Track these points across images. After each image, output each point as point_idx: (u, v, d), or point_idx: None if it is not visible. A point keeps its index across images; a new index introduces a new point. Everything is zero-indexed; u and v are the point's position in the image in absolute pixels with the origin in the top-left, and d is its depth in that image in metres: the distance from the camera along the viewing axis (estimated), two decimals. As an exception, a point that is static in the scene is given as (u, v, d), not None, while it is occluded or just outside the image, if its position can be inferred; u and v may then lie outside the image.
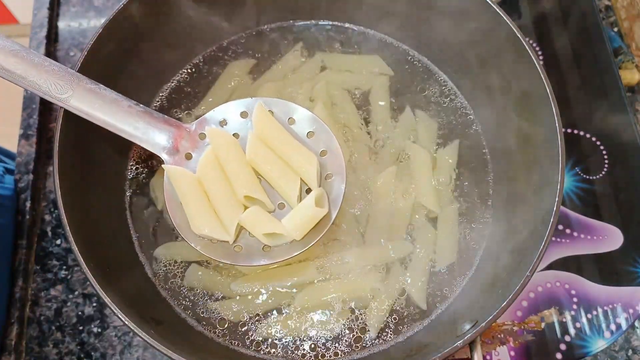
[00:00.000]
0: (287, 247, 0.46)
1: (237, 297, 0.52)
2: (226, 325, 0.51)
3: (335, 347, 0.51)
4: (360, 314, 0.51)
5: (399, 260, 0.53)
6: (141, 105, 0.47)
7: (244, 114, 0.49)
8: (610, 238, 0.60)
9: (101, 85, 0.45)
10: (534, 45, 0.68)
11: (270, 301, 0.52)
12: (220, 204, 0.46)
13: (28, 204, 0.62)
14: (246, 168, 0.48)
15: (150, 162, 0.57)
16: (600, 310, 0.56)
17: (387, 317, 0.51)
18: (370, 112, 0.60)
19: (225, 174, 0.47)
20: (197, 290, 0.52)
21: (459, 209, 0.56)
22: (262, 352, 0.50)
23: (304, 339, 0.51)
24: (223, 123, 0.49)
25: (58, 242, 0.62)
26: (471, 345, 0.48)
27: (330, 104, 0.59)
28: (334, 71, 0.61)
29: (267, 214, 0.47)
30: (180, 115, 0.59)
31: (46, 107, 0.68)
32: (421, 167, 0.57)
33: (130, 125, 0.46)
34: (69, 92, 0.44)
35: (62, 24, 0.74)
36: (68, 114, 0.46)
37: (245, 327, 0.51)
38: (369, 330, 0.51)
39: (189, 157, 0.48)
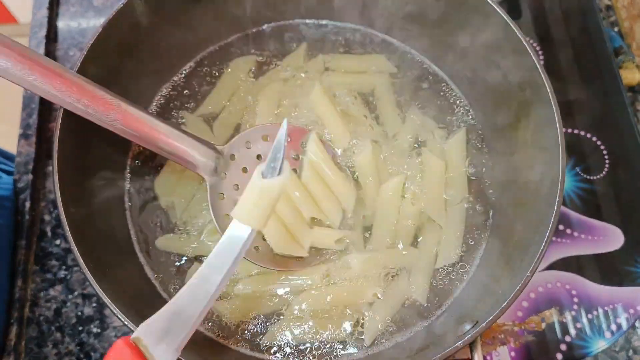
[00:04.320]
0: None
1: (234, 298, 0.52)
2: (226, 326, 0.51)
3: (334, 347, 0.50)
4: (361, 318, 0.51)
5: (403, 267, 0.53)
6: (185, 130, 0.49)
7: (265, 137, 0.53)
8: (610, 238, 0.59)
9: (145, 111, 0.48)
10: (534, 45, 0.68)
11: (271, 303, 0.51)
12: (293, 224, 0.51)
13: (27, 204, 0.62)
14: (308, 193, 0.52)
15: (150, 163, 0.57)
16: (600, 310, 0.56)
17: (383, 326, 0.51)
18: (375, 110, 0.59)
19: (291, 196, 0.52)
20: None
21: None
22: (262, 353, 0.50)
23: (304, 341, 0.51)
24: (248, 145, 0.52)
25: (57, 242, 0.62)
26: (471, 345, 0.48)
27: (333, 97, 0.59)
28: (337, 72, 0.61)
29: (330, 229, 0.53)
30: (182, 114, 0.59)
31: (46, 107, 0.68)
32: (433, 178, 0.55)
33: (178, 148, 0.48)
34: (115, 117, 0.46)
35: (61, 24, 0.74)
36: (68, 114, 0.45)
37: (246, 328, 0.51)
38: (363, 338, 0.51)
39: (223, 177, 0.51)
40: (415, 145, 0.57)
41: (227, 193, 0.51)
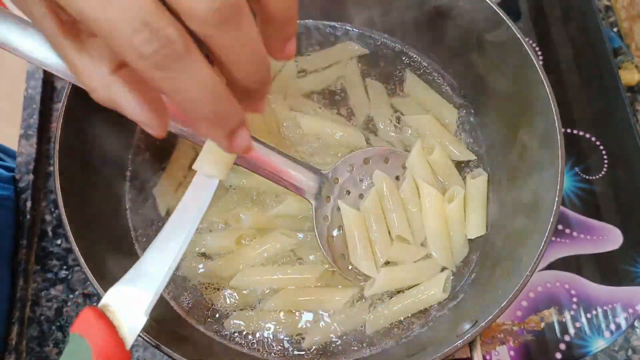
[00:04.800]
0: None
1: (234, 291, 0.52)
2: (226, 325, 0.51)
3: (334, 347, 0.51)
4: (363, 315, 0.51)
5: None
6: (291, 156, 0.50)
7: (366, 160, 0.54)
8: (610, 238, 0.60)
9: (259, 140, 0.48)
10: (534, 45, 0.69)
11: (273, 304, 0.51)
12: (378, 240, 0.52)
13: (28, 204, 0.62)
14: (401, 210, 0.53)
15: (151, 163, 0.57)
16: (599, 310, 0.57)
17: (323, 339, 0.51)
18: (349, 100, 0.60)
19: (384, 212, 0.53)
20: (197, 289, 0.53)
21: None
22: (263, 353, 0.50)
23: (300, 336, 0.51)
24: (350, 168, 0.54)
25: (58, 242, 0.62)
26: (471, 345, 0.48)
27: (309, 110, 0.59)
28: (310, 73, 0.60)
29: (412, 246, 0.54)
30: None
31: (46, 107, 0.68)
32: (430, 213, 0.53)
33: (286, 174, 0.49)
34: None
35: (62, 24, 0.74)
36: (68, 114, 0.46)
37: (247, 329, 0.51)
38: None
39: (328, 200, 0.52)
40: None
41: (331, 215, 0.53)
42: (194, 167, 0.35)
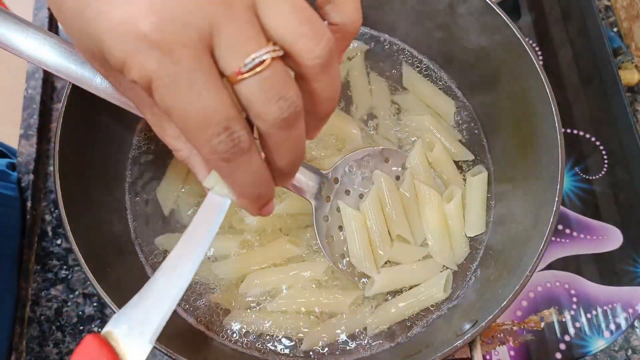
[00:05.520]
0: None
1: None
2: (226, 326, 0.51)
3: (334, 346, 0.51)
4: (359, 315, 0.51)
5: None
6: None
7: (366, 160, 0.54)
8: (609, 238, 0.60)
9: None
10: (534, 45, 0.69)
11: (276, 305, 0.51)
12: (378, 240, 0.52)
13: (29, 204, 0.62)
14: (401, 210, 0.53)
15: (151, 164, 0.57)
16: (599, 310, 0.57)
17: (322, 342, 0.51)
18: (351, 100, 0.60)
19: (384, 212, 0.53)
20: (197, 289, 0.53)
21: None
22: (263, 354, 0.50)
23: (300, 336, 0.51)
24: (350, 168, 0.54)
25: (58, 242, 0.62)
26: (471, 344, 0.48)
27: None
28: None
29: (412, 246, 0.54)
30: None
31: (46, 107, 0.68)
32: (428, 213, 0.54)
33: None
34: None
35: (62, 24, 0.74)
36: (68, 114, 0.46)
37: (247, 330, 0.51)
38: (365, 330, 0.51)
39: (328, 199, 0.52)
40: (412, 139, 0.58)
41: (331, 216, 0.53)
42: (204, 183, 0.34)
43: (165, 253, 0.54)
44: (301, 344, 0.50)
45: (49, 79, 0.68)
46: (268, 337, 0.51)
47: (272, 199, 0.32)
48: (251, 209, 0.32)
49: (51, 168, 0.65)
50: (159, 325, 0.32)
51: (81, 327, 0.59)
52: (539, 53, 0.68)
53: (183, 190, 0.56)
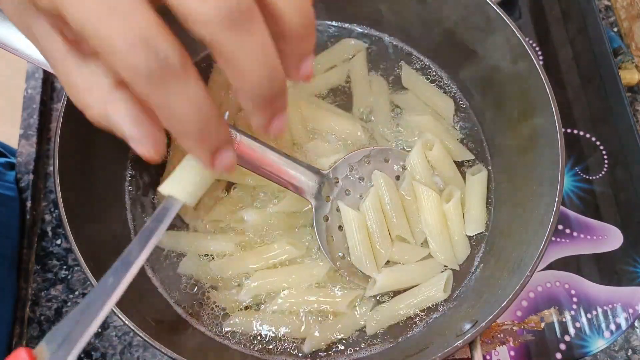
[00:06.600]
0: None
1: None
2: (226, 325, 0.51)
3: (334, 346, 0.51)
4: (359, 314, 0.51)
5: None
6: (291, 156, 0.50)
7: (366, 160, 0.54)
8: (610, 238, 0.60)
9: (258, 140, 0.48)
10: (534, 45, 0.69)
11: (276, 306, 0.51)
12: (378, 240, 0.52)
13: (28, 204, 0.62)
14: (401, 210, 0.53)
15: (151, 164, 0.57)
16: (600, 310, 0.57)
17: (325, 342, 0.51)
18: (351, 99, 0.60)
19: (384, 212, 0.53)
20: (197, 289, 0.53)
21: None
22: (263, 354, 0.50)
23: (301, 336, 0.51)
24: (351, 168, 0.54)
25: (58, 242, 0.62)
26: (471, 345, 0.48)
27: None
28: (317, 74, 0.60)
29: (413, 246, 0.54)
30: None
31: (46, 107, 0.68)
32: (428, 213, 0.54)
33: (286, 173, 0.49)
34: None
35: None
36: (68, 114, 0.46)
37: (247, 330, 0.51)
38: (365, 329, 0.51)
39: (328, 199, 0.52)
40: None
41: (331, 215, 0.52)
42: (159, 189, 0.33)
43: (165, 252, 0.54)
44: (301, 344, 0.50)
45: (49, 79, 0.68)
46: (268, 337, 0.51)
47: (229, 145, 0.27)
48: (200, 153, 0.27)
49: (51, 168, 0.65)
50: (82, 340, 0.30)
51: (81, 327, 0.58)
52: (539, 53, 0.68)
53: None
